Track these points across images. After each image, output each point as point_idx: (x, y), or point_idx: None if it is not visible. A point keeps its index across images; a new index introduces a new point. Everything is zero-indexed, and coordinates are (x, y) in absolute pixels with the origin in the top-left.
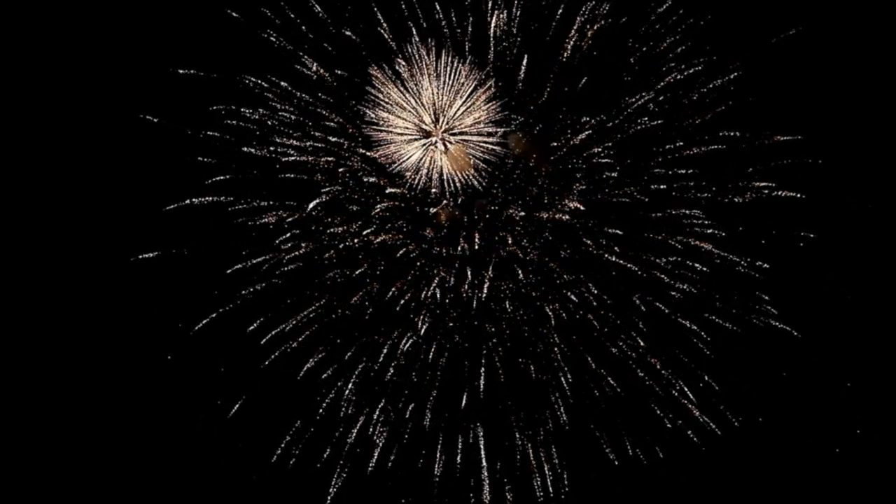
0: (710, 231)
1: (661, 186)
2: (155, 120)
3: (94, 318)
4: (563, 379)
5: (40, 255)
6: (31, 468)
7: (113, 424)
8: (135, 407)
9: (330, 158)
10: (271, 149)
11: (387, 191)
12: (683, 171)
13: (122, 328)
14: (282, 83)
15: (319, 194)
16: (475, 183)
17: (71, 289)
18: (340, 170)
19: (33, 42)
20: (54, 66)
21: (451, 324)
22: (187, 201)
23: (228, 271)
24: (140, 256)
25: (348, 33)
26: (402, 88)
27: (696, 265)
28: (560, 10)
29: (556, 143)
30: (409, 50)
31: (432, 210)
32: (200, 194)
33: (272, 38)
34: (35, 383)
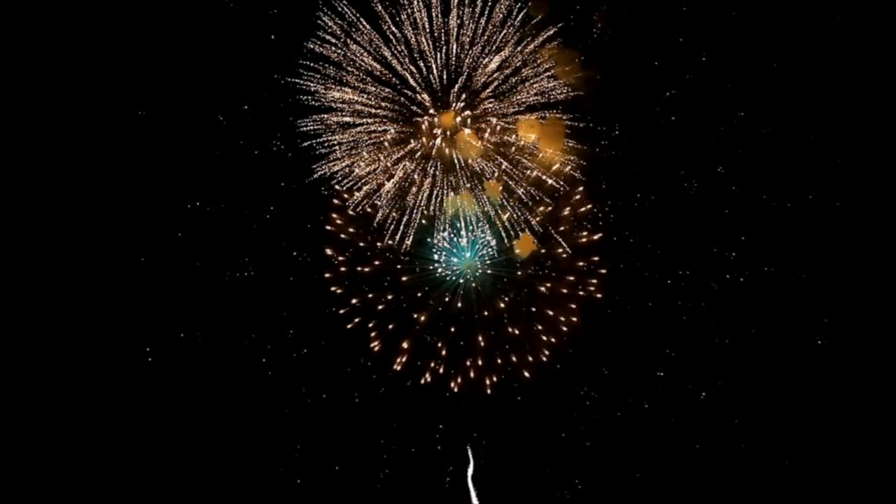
0: (736, 235)
1: (693, 184)
2: (153, 118)
3: (99, 320)
4: (578, 390)
5: (47, 257)
6: (31, 469)
7: (111, 427)
8: (134, 411)
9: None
10: (273, 148)
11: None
12: (710, 173)
13: (125, 330)
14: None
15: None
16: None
17: (75, 291)
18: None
19: (47, 42)
20: (64, 65)
21: (461, 343)
22: (190, 205)
23: (227, 278)
24: (141, 259)
25: None
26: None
27: (719, 271)
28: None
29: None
30: None
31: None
32: (201, 195)
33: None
34: (35, 384)
